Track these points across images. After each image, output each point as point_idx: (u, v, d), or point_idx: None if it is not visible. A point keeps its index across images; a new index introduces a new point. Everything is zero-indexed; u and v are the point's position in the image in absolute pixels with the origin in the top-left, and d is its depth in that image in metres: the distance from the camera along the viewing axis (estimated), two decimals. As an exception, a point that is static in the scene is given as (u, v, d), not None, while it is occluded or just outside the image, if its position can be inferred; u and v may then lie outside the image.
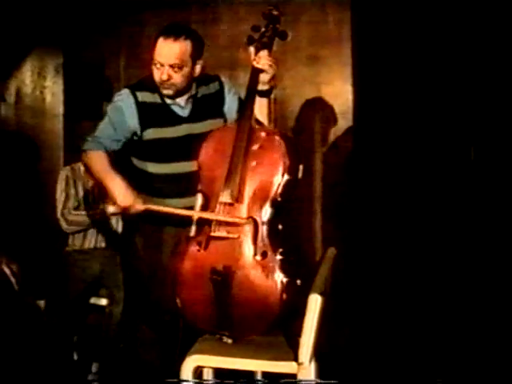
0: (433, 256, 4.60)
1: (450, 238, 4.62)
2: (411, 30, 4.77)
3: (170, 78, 3.25)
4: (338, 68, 4.97)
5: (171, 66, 3.23)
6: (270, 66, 3.16)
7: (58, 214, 4.55)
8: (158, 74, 3.27)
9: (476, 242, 4.55)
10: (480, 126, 4.61)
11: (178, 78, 3.27)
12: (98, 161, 3.35)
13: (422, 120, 4.77)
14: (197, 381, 2.96)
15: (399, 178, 4.78)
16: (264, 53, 3.16)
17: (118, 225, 4.62)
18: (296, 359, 2.84)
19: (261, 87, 3.19)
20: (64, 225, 4.54)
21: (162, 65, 3.24)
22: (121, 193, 3.23)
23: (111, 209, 4.47)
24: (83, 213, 4.53)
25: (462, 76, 4.62)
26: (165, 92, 3.31)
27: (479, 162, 4.64)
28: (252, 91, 3.17)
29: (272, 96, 3.28)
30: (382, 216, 4.77)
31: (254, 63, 3.16)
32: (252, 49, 3.18)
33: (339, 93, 4.96)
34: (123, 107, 3.34)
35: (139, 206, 3.20)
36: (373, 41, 4.91)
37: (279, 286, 2.96)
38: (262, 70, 3.15)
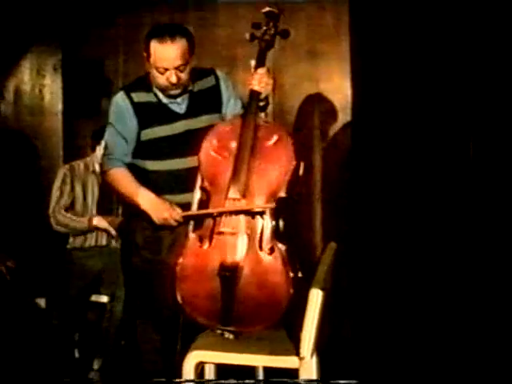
0: (433, 250, 4.60)
1: (449, 232, 4.61)
2: (410, 25, 4.76)
3: (179, 79, 3.23)
4: (336, 63, 4.97)
5: (176, 68, 3.21)
6: (266, 87, 3.16)
7: (50, 211, 4.56)
8: (164, 79, 3.24)
9: (476, 233, 4.55)
10: (479, 121, 4.60)
11: (184, 77, 3.26)
12: (121, 178, 3.33)
13: (421, 115, 4.77)
14: (194, 380, 2.97)
15: (398, 173, 4.78)
16: (260, 73, 3.16)
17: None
18: (298, 354, 2.85)
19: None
20: (53, 223, 4.56)
21: (167, 69, 3.22)
22: (154, 207, 3.22)
23: (96, 222, 4.50)
24: (72, 217, 4.53)
25: (462, 71, 4.61)
26: (172, 93, 3.29)
27: (478, 158, 4.64)
28: (255, 91, 3.16)
29: (268, 110, 3.30)
30: (382, 210, 4.77)
31: (251, 86, 3.16)
32: (252, 62, 3.20)
33: (338, 88, 4.96)
34: (122, 111, 3.32)
35: (176, 216, 3.19)
36: (371, 36, 4.90)
37: (287, 280, 2.98)
38: (259, 92, 3.16)
